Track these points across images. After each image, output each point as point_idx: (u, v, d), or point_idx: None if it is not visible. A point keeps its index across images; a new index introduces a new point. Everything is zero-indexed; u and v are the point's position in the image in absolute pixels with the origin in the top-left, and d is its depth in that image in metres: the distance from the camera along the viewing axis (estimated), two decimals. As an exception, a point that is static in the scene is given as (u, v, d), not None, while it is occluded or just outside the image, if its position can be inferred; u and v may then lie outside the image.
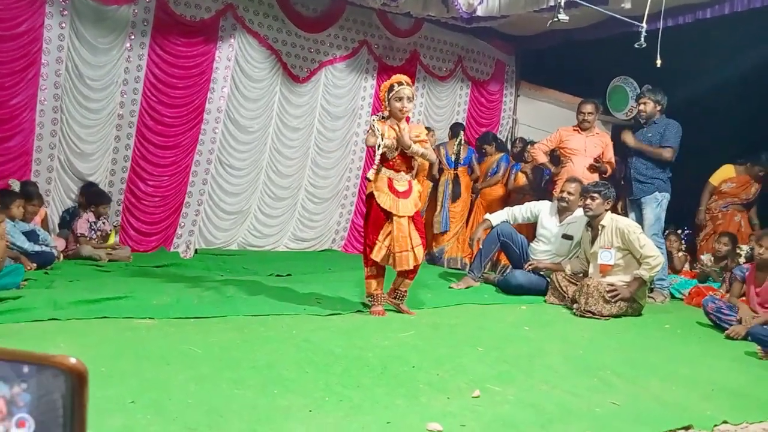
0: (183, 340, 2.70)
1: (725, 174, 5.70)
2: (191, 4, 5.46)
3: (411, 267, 3.45)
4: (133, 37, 5.26)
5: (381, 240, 3.42)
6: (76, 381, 0.51)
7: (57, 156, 5.15)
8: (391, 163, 3.45)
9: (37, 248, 4.30)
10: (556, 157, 5.65)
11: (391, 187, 3.42)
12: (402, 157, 3.45)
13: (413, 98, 3.53)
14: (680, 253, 5.68)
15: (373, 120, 3.48)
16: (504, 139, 7.52)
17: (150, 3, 5.27)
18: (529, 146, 6.29)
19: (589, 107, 5.27)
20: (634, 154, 5.02)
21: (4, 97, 4.79)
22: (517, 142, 7.11)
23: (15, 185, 4.61)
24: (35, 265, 4.15)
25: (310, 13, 6.10)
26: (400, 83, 3.43)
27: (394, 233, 3.40)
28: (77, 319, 2.92)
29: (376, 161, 3.39)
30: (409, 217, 3.44)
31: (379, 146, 3.33)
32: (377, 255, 3.41)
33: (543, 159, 5.49)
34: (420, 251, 3.48)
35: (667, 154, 4.83)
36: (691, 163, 5.09)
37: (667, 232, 5.69)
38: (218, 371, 2.31)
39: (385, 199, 3.40)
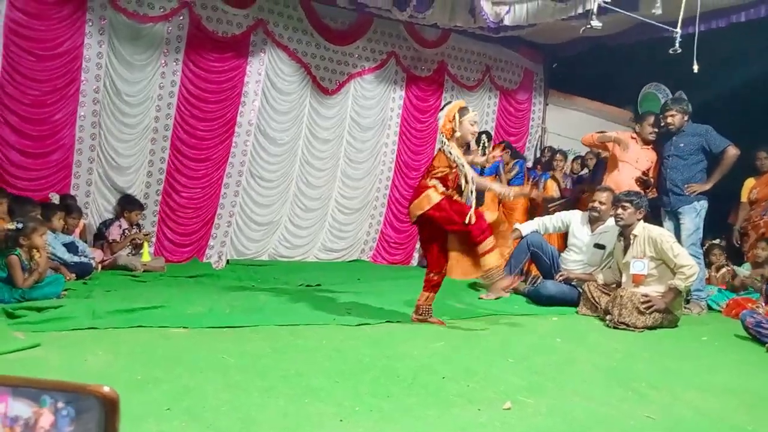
0: (216, 348, 2.75)
1: (748, 185, 5.56)
2: (223, 20, 5.59)
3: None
4: (167, 53, 5.41)
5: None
6: (109, 407, 0.57)
7: (95, 169, 5.32)
8: (450, 184, 3.44)
9: (76, 259, 4.44)
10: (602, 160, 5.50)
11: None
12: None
13: None
14: (723, 269, 5.50)
15: (451, 147, 3.40)
16: (533, 148, 7.48)
17: (183, 20, 5.42)
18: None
19: (654, 119, 5.15)
20: (670, 166, 4.91)
21: (46, 114, 4.97)
22: (546, 151, 7.05)
23: (55, 198, 4.78)
24: (74, 275, 4.28)
25: (339, 27, 6.18)
26: (469, 109, 3.47)
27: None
28: (114, 328, 3.00)
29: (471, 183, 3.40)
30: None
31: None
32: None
33: (597, 135, 5.28)
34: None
35: (733, 151, 4.73)
36: (733, 173, 4.95)
37: (709, 244, 5.54)
38: (250, 380, 2.34)
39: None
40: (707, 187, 4.80)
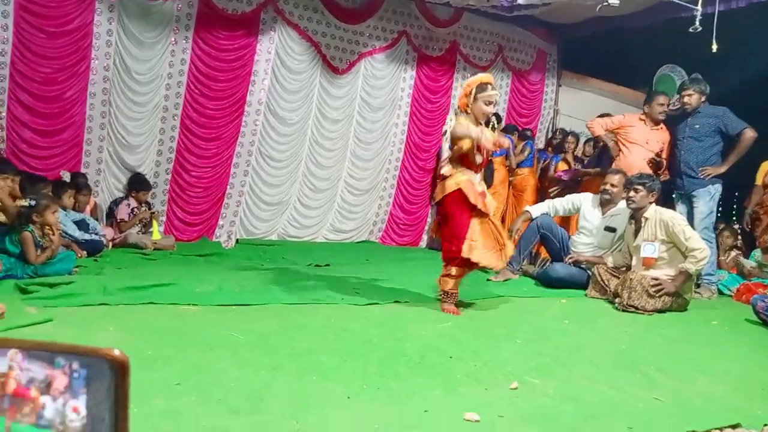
0: (225, 326, 2.77)
1: (764, 168, 5.48)
2: (233, -3, 5.54)
3: (499, 265, 3.40)
4: (177, 31, 5.38)
5: (471, 237, 3.25)
6: (120, 370, 0.58)
7: (106, 148, 5.33)
8: (470, 161, 3.30)
9: (87, 236, 4.47)
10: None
11: (473, 188, 3.29)
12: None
13: None
14: (734, 252, 5.44)
15: (457, 116, 3.29)
16: (545, 130, 7.41)
17: (193, -3, 5.38)
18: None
19: (665, 99, 5.04)
20: (684, 148, 4.84)
21: (57, 91, 4.98)
22: (557, 133, 6.98)
23: (66, 176, 4.81)
24: (86, 252, 4.32)
25: (350, 5, 6.11)
26: (492, 86, 3.29)
27: (492, 231, 3.33)
28: (125, 304, 3.03)
29: (446, 156, 3.27)
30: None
31: (478, 139, 3.19)
32: (472, 252, 3.24)
33: (600, 132, 5.20)
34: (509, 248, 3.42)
35: (750, 133, 4.65)
36: (747, 157, 4.87)
37: (721, 227, 5.48)
38: (259, 357, 2.36)
39: (474, 197, 3.26)
40: (722, 170, 4.73)
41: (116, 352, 0.58)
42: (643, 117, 5.06)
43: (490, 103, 3.27)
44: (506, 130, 6.43)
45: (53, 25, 4.87)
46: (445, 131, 3.30)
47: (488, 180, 6.18)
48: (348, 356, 2.46)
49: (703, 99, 4.80)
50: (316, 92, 6.13)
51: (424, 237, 6.96)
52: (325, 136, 6.26)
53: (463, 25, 6.70)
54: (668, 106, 5.08)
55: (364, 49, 6.27)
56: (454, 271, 3.36)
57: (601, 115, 5.57)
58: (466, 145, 3.22)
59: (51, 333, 2.47)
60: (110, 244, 4.89)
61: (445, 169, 3.33)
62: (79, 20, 4.98)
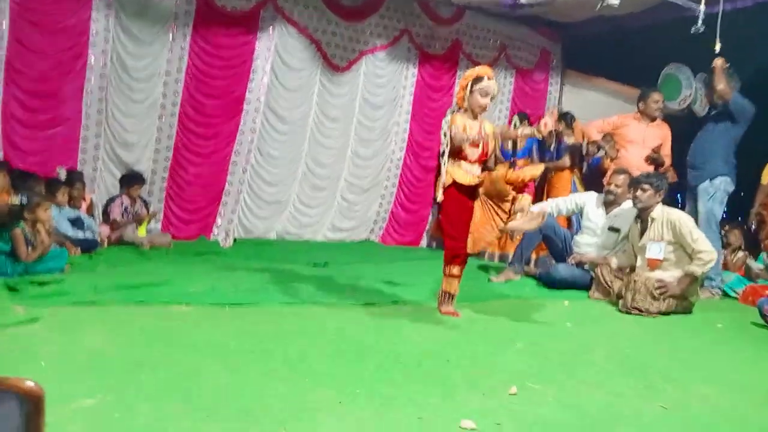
0: (217, 329, 2.70)
1: None
2: (232, -6, 5.47)
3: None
4: (175, 28, 5.31)
5: (473, 232, 3.19)
6: (32, 405, 0.48)
7: (102, 145, 5.27)
8: (465, 155, 3.18)
9: (80, 235, 4.41)
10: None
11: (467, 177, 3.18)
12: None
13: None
14: (740, 253, 5.34)
15: (453, 113, 3.23)
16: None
17: (192, -6, 5.31)
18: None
19: (659, 95, 4.99)
20: (696, 138, 4.73)
21: (53, 89, 4.92)
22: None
23: (62, 173, 4.74)
24: (79, 250, 4.26)
25: (351, 2, 6.03)
26: (489, 77, 3.20)
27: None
28: (116, 304, 2.95)
29: (446, 157, 3.17)
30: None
31: (464, 140, 3.11)
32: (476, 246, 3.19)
33: (596, 137, 5.18)
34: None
35: (727, 88, 4.52)
36: (755, 155, 4.78)
37: (728, 227, 5.37)
38: (250, 362, 2.29)
39: (464, 176, 3.15)
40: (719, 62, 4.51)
41: (28, 384, 0.48)
42: (638, 115, 5.01)
43: (486, 94, 3.17)
44: (519, 118, 6.35)
45: (50, 22, 4.80)
46: (445, 132, 3.21)
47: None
48: (342, 361, 2.39)
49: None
50: (317, 90, 6.05)
51: (425, 236, 6.88)
52: (326, 134, 6.19)
53: (465, 24, 6.61)
54: (663, 102, 5.02)
55: (365, 47, 6.20)
56: (456, 270, 3.28)
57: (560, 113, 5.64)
58: (458, 137, 3.14)
59: (36, 334, 2.40)
60: (106, 242, 4.83)
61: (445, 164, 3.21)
62: (76, 17, 4.91)
